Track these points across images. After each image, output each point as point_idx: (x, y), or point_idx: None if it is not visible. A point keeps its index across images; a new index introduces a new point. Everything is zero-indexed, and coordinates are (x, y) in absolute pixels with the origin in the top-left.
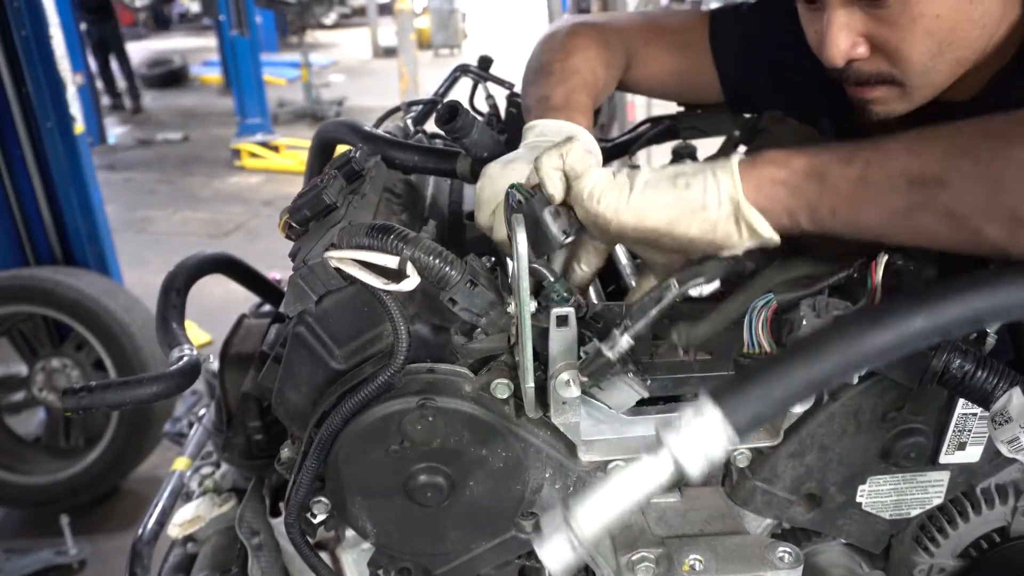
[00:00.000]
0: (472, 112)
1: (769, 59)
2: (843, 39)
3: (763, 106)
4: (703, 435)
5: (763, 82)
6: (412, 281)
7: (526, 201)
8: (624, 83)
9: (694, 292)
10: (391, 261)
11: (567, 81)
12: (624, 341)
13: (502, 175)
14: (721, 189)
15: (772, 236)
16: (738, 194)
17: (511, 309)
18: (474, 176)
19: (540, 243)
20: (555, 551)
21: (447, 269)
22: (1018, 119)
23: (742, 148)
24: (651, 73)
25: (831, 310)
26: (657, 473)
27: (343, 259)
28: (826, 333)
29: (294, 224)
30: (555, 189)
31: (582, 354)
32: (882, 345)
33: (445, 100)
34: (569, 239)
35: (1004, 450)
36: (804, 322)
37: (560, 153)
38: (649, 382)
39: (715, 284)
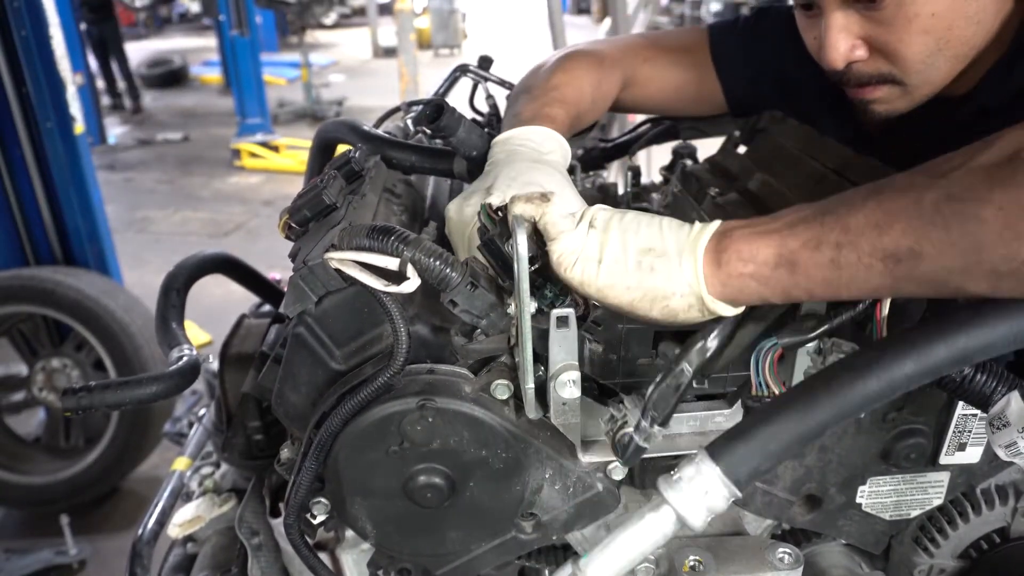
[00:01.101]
0: (457, 111)
1: (770, 67)
2: (842, 42)
3: (762, 110)
4: (704, 491)
5: (766, 90)
6: (413, 283)
7: (490, 228)
8: (625, 103)
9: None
10: (391, 263)
11: (542, 97)
12: (656, 431)
13: (461, 214)
14: (684, 280)
15: (738, 313)
16: (701, 288)
17: (511, 310)
18: (471, 176)
19: (505, 267)
20: None
21: (448, 271)
22: (974, 173)
23: (741, 148)
24: (653, 91)
25: (835, 352)
26: (661, 527)
27: (343, 260)
28: (818, 384)
29: (294, 224)
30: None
31: (604, 433)
32: (873, 392)
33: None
34: (535, 266)
35: (1001, 454)
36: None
37: (537, 211)
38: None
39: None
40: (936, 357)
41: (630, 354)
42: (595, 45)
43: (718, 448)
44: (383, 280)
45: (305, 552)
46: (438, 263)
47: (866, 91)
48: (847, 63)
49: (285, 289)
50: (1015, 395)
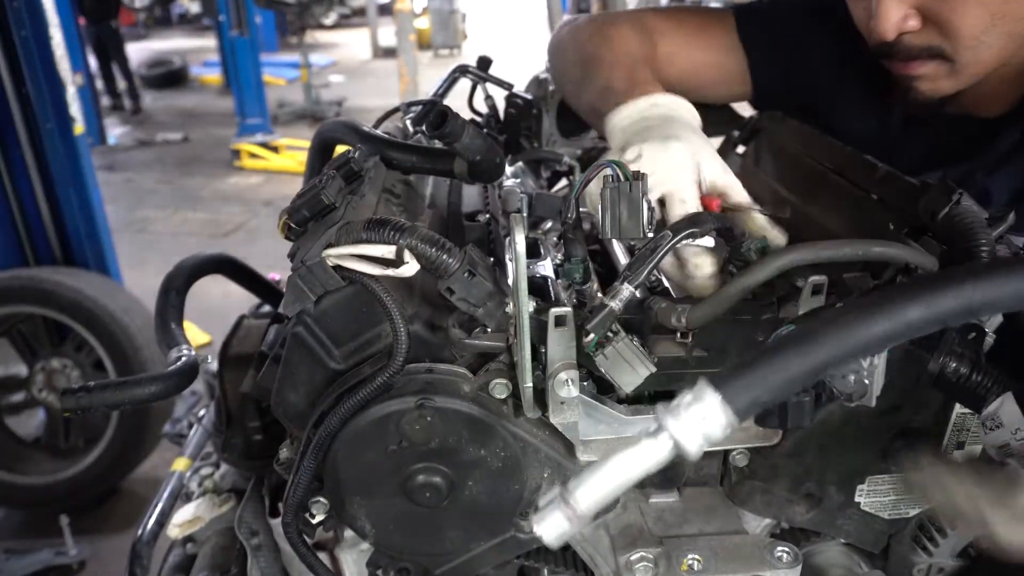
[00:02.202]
0: (461, 116)
1: (791, 51)
2: (894, 11)
3: (786, 103)
4: (702, 417)
5: (794, 74)
6: (411, 267)
7: (627, 180)
8: None
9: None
10: (388, 251)
11: (622, 63)
12: (626, 290)
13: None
14: None
15: None
16: None
17: (509, 309)
18: (472, 176)
19: (625, 226)
20: (552, 525)
21: (445, 257)
22: None
23: (741, 148)
24: (675, 70)
25: None
26: (656, 453)
27: (341, 255)
28: (824, 321)
29: (293, 225)
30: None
31: (586, 313)
32: (879, 333)
33: (443, 102)
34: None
35: (995, 455)
36: None
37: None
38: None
39: (709, 240)
40: (945, 305)
41: None
42: (610, 15)
43: (719, 377)
44: (382, 266)
45: (303, 551)
46: (435, 250)
47: (913, 66)
48: (898, 34)
49: (284, 289)
50: (1008, 396)
